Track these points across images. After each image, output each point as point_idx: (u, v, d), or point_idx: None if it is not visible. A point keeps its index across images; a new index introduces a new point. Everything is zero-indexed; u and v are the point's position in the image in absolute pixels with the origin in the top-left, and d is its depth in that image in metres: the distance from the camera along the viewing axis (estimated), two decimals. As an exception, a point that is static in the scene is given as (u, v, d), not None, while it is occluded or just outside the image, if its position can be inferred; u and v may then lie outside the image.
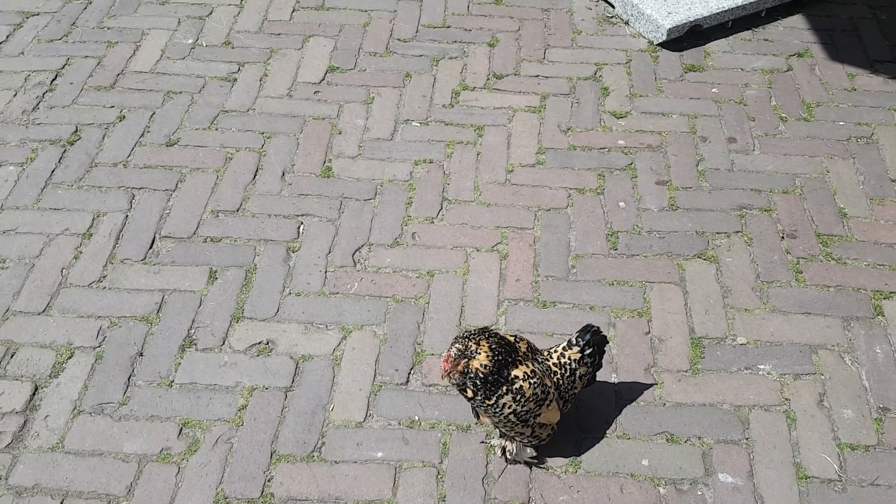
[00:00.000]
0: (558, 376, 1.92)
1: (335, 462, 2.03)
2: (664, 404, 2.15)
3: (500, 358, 1.81)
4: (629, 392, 2.17)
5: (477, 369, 1.79)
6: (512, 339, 1.91)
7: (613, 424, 2.10)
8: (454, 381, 1.83)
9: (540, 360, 1.92)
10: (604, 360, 2.04)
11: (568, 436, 2.07)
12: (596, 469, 2.02)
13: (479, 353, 1.79)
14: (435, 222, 2.66)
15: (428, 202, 2.72)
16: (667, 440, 2.07)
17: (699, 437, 2.08)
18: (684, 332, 2.31)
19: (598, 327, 1.97)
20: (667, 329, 2.32)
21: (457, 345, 1.80)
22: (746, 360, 2.24)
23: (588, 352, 1.95)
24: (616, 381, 2.20)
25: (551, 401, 1.89)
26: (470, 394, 1.83)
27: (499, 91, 3.15)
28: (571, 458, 2.03)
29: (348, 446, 2.06)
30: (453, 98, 3.12)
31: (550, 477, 2.00)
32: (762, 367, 2.23)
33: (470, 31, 3.43)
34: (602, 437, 2.08)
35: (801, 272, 2.47)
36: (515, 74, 3.22)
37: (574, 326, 2.32)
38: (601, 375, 2.20)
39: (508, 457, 2.02)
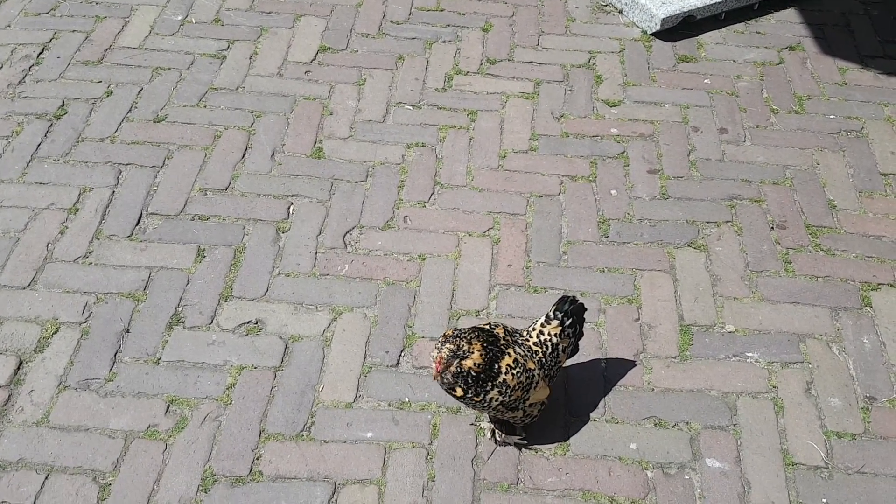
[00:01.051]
0: (540, 355, 1.90)
1: (324, 441, 2.02)
2: (653, 390, 2.16)
3: (491, 356, 1.80)
4: (618, 377, 2.18)
5: (470, 368, 1.78)
6: (487, 327, 1.89)
7: (602, 408, 2.11)
8: (445, 381, 1.81)
9: (520, 341, 1.90)
10: (585, 331, 2.04)
11: (557, 419, 2.08)
12: (584, 452, 2.02)
13: (473, 353, 1.78)
14: (427, 206, 2.64)
15: (420, 186, 2.71)
16: (655, 425, 2.08)
17: (687, 423, 2.09)
18: (673, 320, 2.32)
19: (573, 296, 1.94)
20: (656, 316, 2.33)
21: (448, 344, 1.78)
22: (735, 348, 2.26)
23: (568, 322, 1.93)
24: (605, 366, 2.20)
25: (537, 382, 1.89)
26: (460, 392, 1.82)
27: (492, 76, 3.14)
28: (560, 441, 2.04)
29: (338, 426, 2.05)
30: (446, 82, 3.10)
31: (539, 459, 2.00)
32: (750, 354, 2.24)
33: (464, 15, 3.41)
34: (591, 421, 2.08)
35: (790, 262, 2.49)
36: (509, 60, 3.21)
37: (565, 311, 2.33)
38: (590, 357, 2.21)
39: (498, 438, 2.02)
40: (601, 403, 2.12)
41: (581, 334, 1.99)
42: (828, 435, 2.07)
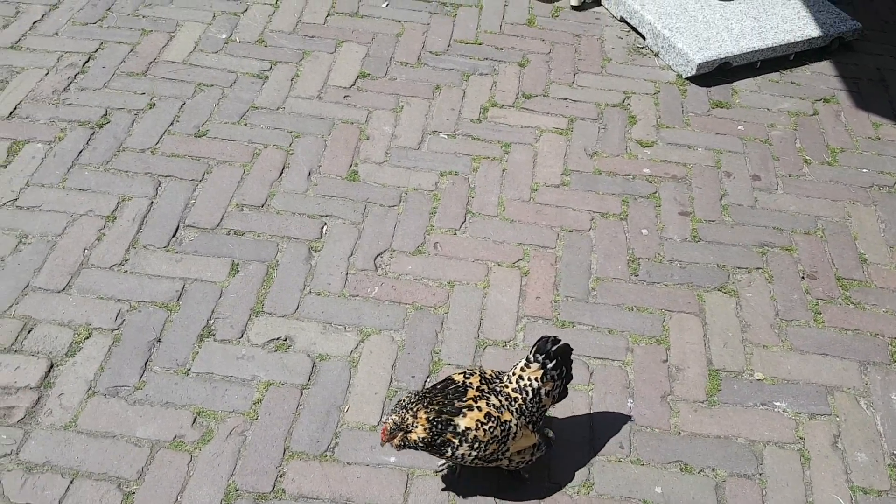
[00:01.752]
0: (519, 402, 1.82)
1: (347, 463, 2.02)
2: (679, 433, 2.14)
3: (440, 427, 1.76)
4: (644, 419, 2.17)
5: (416, 441, 1.77)
6: (461, 378, 1.83)
7: (627, 449, 2.10)
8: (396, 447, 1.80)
9: (499, 388, 1.83)
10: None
11: (581, 456, 2.07)
12: (609, 492, 2.01)
13: (417, 427, 1.76)
14: (458, 234, 2.66)
15: (451, 213, 2.73)
16: (681, 469, 2.07)
17: (713, 469, 2.07)
18: (702, 364, 2.32)
19: (554, 337, 1.83)
20: (685, 359, 2.32)
21: (394, 416, 1.77)
22: (762, 396, 2.25)
23: (551, 365, 1.82)
24: (632, 406, 2.20)
25: (516, 433, 1.82)
26: (430, 455, 1.82)
27: (527, 110, 3.18)
28: (584, 480, 2.03)
29: (361, 448, 2.05)
30: (481, 113, 3.14)
31: (563, 496, 1.99)
32: (778, 403, 2.23)
33: (501, 49, 3.47)
34: (615, 461, 2.07)
35: (820, 313, 2.48)
36: (544, 96, 3.25)
37: (593, 348, 2.33)
38: (616, 396, 2.20)
39: (526, 475, 2.00)
40: (626, 444, 2.11)
41: (570, 377, 1.90)
42: (853, 490, 2.05)
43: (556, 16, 3.69)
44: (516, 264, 2.58)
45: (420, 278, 2.51)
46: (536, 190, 2.85)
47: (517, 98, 3.23)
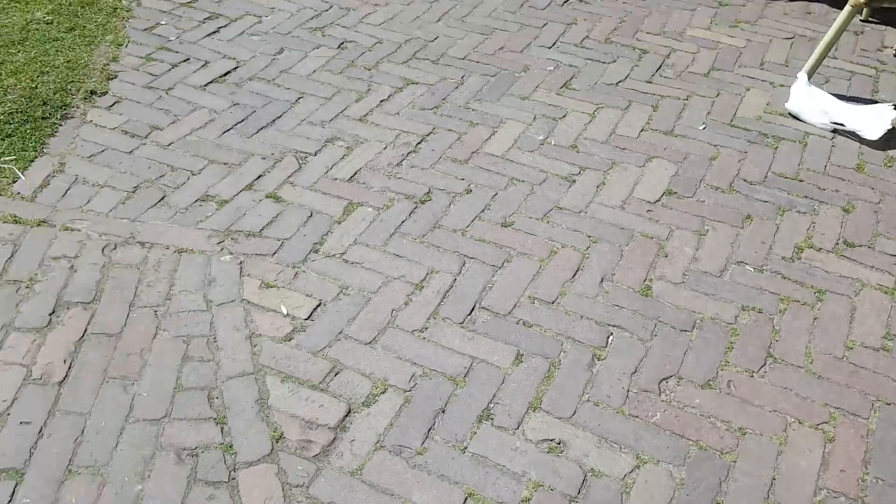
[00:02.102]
0: None
1: None
2: None
3: None
4: None
5: None
6: None
7: None
8: None
9: None
10: None
11: None
12: None
13: None
14: (755, 377, 2.47)
15: (750, 353, 2.54)
16: None
17: None
18: None
19: None
20: None
21: None
22: None
23: None
24: None
25: None
26: None
27: (847, 259, 2.91)
28: None
29: (625, 584, 1.92)
30: (795, 253, 2.94)
31: None
32: None
33: (824, 190, 3.24)
34: None
35: None
36: (869, 247, 2.96)
37: (913, 550, 1.98)
38: None
39: None
40: None
41: None
42: None
43: (890, 166, 3.39)
44: (820, 426, 2.31)
45: (707, 415, 2.35)
46: (852, 349, 2.56)
47: (837, 244, 2.98)
